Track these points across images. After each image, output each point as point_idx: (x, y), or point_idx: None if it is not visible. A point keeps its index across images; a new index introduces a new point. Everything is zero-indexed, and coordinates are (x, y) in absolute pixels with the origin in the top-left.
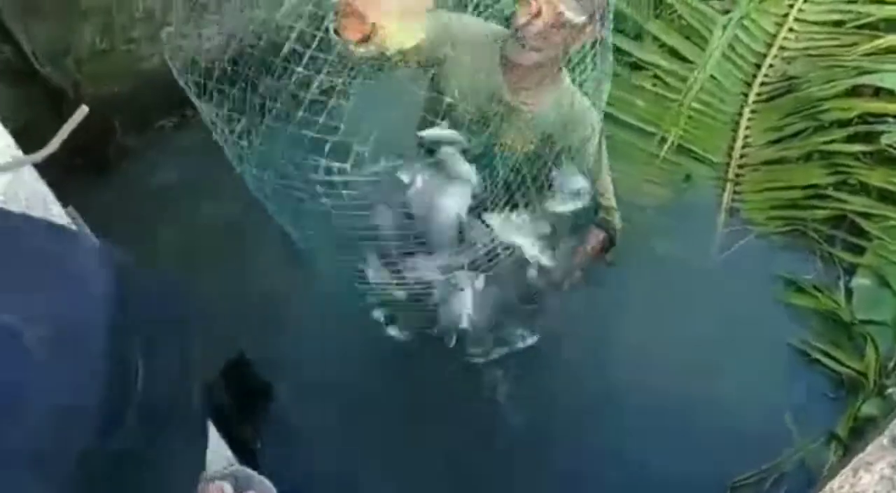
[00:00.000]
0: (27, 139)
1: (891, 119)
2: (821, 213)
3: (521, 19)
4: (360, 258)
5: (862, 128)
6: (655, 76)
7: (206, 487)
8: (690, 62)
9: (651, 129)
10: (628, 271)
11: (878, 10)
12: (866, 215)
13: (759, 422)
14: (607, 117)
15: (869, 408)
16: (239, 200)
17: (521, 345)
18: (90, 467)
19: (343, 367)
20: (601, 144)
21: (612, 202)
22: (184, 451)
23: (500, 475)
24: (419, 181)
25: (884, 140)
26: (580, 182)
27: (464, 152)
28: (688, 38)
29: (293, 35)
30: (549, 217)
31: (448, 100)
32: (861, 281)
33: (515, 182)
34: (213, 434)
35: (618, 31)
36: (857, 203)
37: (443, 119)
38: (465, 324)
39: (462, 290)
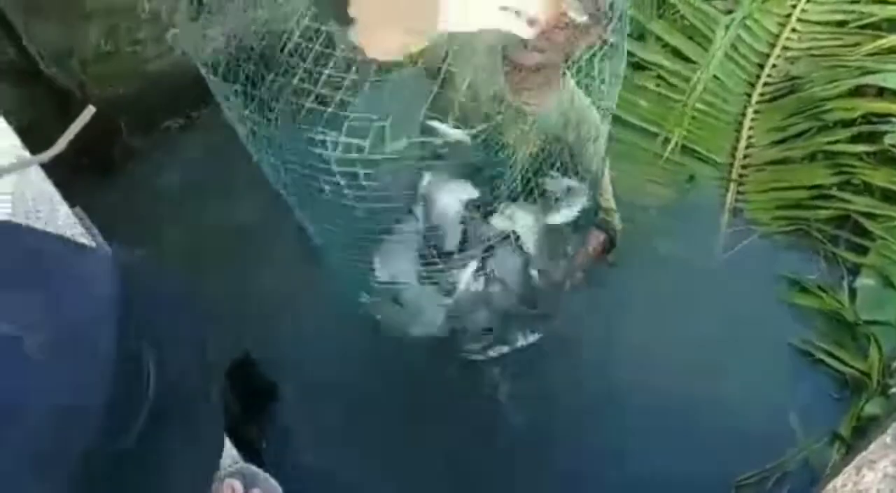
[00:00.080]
0: (32, 140)
1: (894, 119)
2: (824, 213)
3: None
4: (369, 256)
5: (865, 128)
6: (659, 76)
7: (219, 486)
8: (693, 62)
9: (654, 129)
10: (631, 271)
11: (881, 10)
12: (870, 215)
13: (763, 422)
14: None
15: (872, 408)
16: (244, 201)
17: (522, 343)
18: (96, 469)
19: (346, 367)
20: (602, 145)
21: (612, 203)
22: (199, 451)
23: (501, 474)
24: (426, 177)
25: (887, 140)
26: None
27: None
28: (691, 38)
29: (297, 32)
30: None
31: (454, 98)
32: (865, 281)
33: (520, 183)
34: None
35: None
36: (861, 203)
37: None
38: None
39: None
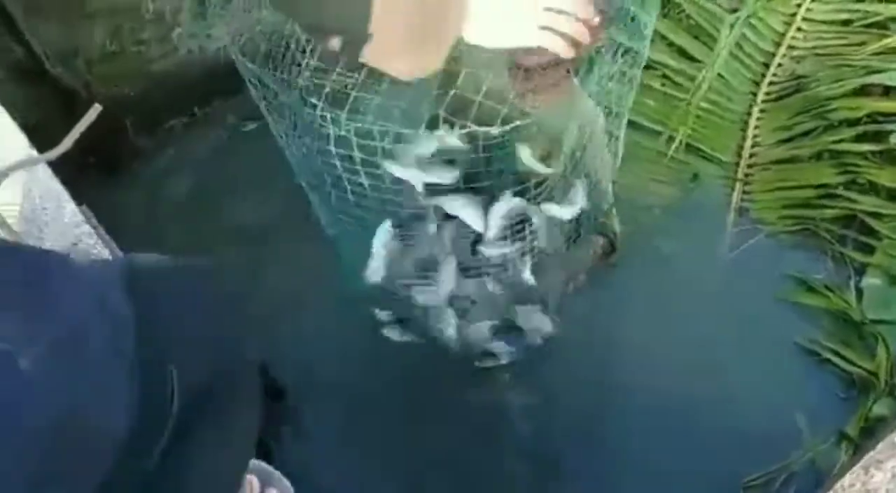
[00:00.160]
0: (39, 139)
1: None
2: (830, 212)
3: None
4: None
5: (871, 127)
6: (664, 76)
7: None
8: (699, 61)
9: (658, 128)
10: (635, 271)
11: (887, 9)
12: (876, 215)
13: (769, 422)
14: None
15: (880, 408)
16: (249, 198)
17: (525, 347)
18: (122, 484)
19: (352, 368)
20: (604, 146)
21: (611, 208)
22: (230, 450)
23: (506, 475)
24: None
25: (893, 139)
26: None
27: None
28: (696, 37)
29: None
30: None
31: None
32: (871, 281)
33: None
34: None
35: (624, 33)
36: (867, 203)
37: (453, 114)
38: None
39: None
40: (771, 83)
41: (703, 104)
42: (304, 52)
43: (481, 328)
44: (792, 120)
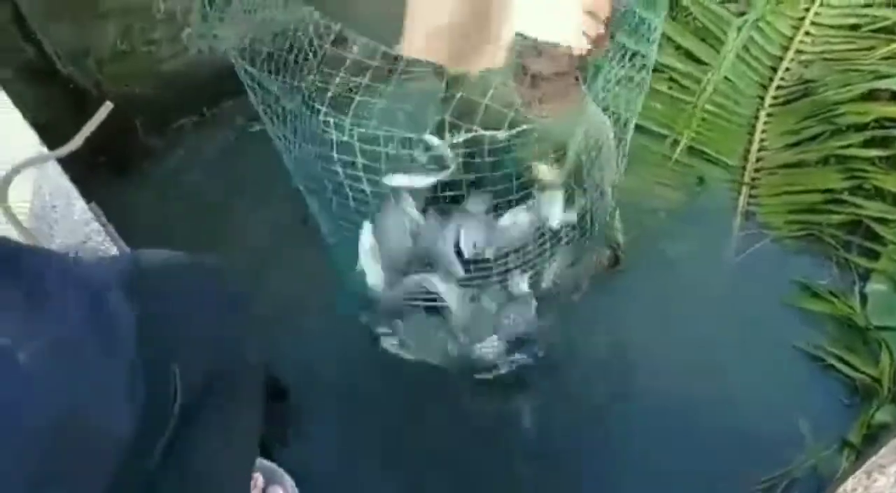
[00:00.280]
0: (49, 138)
1: None
2: (836, 217)
3: None
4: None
5: (878, 132)
6: (671, 79)
7: None
8: (706, 65)
9: (664, 131)
10: (640, 274)
11: (895, 14)
12: (882, 220)
13: (772, 427)
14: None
15: (883, 415)
16: (255, 200)
17: (528, 357)
18: (127, 484)
19: (351, 370)
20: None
21: (616, 219)
22: (233, 448)
23: (506, 476)
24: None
25: None
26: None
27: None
28: (703, 40)
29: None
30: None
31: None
32: (876, 286)
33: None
34: None
35: (632, 37)
36: (873, 208)
37: (459, 118)
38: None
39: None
40: (779, 87)
41: (709, 107)
42: (308, 55)
43: (483, 345)
44: (799, 124)
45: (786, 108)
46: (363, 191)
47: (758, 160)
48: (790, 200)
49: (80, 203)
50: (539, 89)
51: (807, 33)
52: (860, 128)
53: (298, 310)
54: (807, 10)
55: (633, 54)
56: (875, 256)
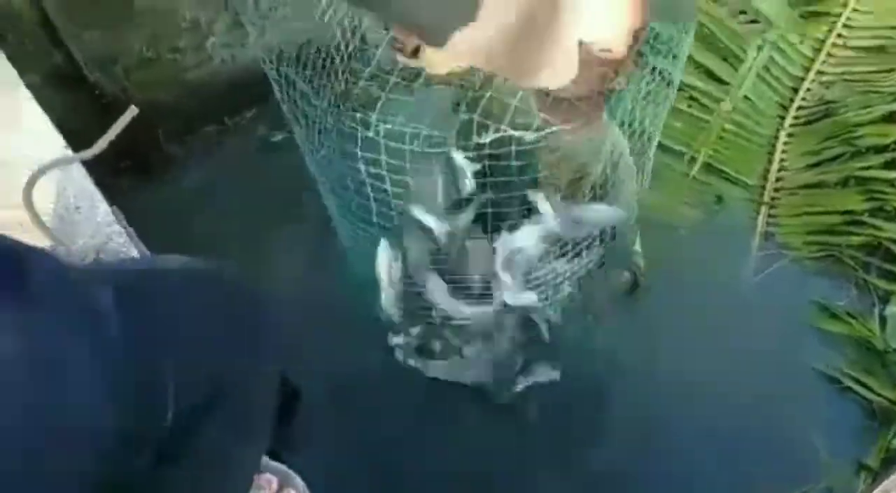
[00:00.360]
0: (75, 143)
1: None
2: (856, 239)
3: None
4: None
5: None
6: (691, 97)
7: (259, 477)
8: (727, 84)
9: (684, 149)
10: (658, 293)
11: None
12: None
13: (788, 449)
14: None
15: None
16: (274, 208)
17: (543, 378)
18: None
19: (361, 376)
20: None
21: (636, 243)
22: (241, 452)
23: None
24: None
25: None
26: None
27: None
28: (725, 59)
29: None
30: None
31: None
32: (895, 309)
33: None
34: None
35: (658, 53)
36: (893, 230)
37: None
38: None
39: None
40: (800, 108)
41: (728, 126)
42: (335, 59)
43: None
44: (820, 145)
45: (806, 128)
46: (385, 191)
47: (777, 180)
48: (810, 220)
49: (103, 206)
50: (559, 112)
51: (829, 54)
52: (881, 149)
53: (314, 316)
54: (829, 31)
55: (661, 71)
56: (894, 278)
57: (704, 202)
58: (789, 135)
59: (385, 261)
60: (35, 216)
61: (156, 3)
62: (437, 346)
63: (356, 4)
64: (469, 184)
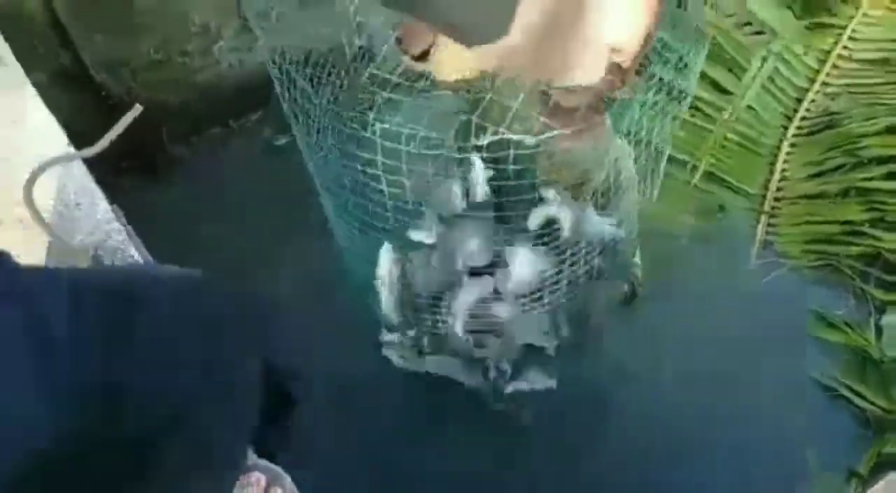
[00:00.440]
0: (78, 142)
1: None
2: (855, 249)
3: None
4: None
5: None
6: (695, 107)
7: (248, 475)
8: (731, 93)
9: (688, 159)
10: (657, 300)
11: None
12: None
13: (780, 455)
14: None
15: (893, 447)
16: (274, 210)
17: (540, 386)
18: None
19: (355, 376)
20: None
21: (636, 254)
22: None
23: None
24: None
25: None
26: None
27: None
28: (730, 70)
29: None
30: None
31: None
32: (892, 319)
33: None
34: None
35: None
36: (892, 241)
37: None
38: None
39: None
40: (803, 118)
41: (731, 136)
42: (346, 57)
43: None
44: (822, 155)
45: (809, 139)
46: (381, 191)
47: (778, 190)
48: (809, 230)
49: (103, 204)
50: (560, 119)
51: (834, 66)
52: (883, 161)
53: (314, 316)
54: (835, 43)
55: (669, 83)
56: (892, 288)
57: (707, 211)
58: (792, 145)
59: (387, 264)
60: (35, 212)
61: (167, 8)
62: (430, 345)
63: (390, 6)
64: (481, 191)
